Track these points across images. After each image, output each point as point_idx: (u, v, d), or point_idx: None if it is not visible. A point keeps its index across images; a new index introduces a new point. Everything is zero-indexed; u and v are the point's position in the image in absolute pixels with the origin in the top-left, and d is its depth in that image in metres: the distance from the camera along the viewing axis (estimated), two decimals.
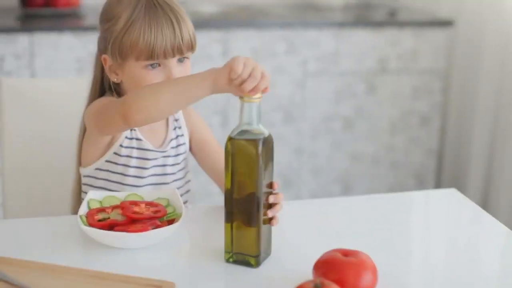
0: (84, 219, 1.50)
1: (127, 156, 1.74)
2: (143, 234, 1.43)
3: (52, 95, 2.11)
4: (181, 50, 1.65)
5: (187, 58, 1.69)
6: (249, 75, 1.40)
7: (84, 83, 1.96)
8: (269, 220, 1.46)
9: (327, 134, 3.63)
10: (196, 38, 1.70)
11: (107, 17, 1.69)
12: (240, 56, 1.42)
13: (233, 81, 1.40)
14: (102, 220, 1.49)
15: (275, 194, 1.47)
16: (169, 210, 1.56)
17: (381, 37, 3.56)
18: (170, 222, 1.51)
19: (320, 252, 1.34)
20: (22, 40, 3.18)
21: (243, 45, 3.40)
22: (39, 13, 3.50)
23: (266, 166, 1.41)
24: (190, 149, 1.87)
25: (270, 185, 1.45)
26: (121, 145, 1.73)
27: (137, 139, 1.75)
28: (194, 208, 1.76)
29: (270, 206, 1.46)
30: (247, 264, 1.43)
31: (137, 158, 1.75)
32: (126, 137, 1.74)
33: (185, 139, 1.84)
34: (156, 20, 1.63)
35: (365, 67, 3.58)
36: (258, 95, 1.40)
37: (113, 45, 1.66)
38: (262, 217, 1.41)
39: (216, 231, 1.51)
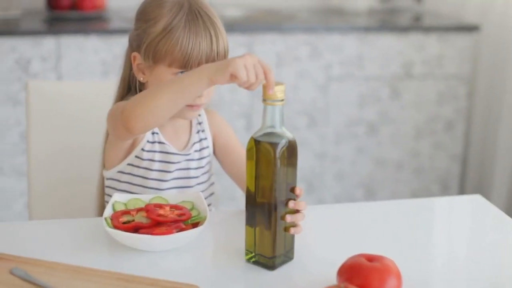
0: (109, 221, 1.50)
1: (149, 159, 1.74)
2: (168, 237, 1.44)
3: (78, 98, 2.12)
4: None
5: None
6: (256, 78, 1.41)
7: (110, 86, 1.97)
8: (289, 228, 1.45)
9: (351, 138, 3.62)
10: (228, 51, 1.69)
11: (146, 17, 1.68)
12: (237, 59, 1.41)
13: (237, 84, 1.42)
14: (127, 223, 1.49)
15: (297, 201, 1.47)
16: (193, 213, 1.56)
17: (406, 42, 3.55)
18: (195, 225, 1.51)
19: (344, 256, 1.34)
20: (49, 43, 3.20)
21: (267, 49, 3.40)
22: (65, 16, 3.52)
23: (288, 170, 1.41)
24: (214, 152, 1.87)
25: (292, 190, 1.45)
26: (142, 149, 1.74)
27: (160, 142, 1.75)
28: (217, 212, 1.76)
29: (295, 211, 1.46)
30: (265, 266, 1.43)
31: (160, 161, 1.75)
32: (148, 141, 1.74)
33: (209, 143, 1.84)
34: (196, 32, 1.63)
35: (389, 72, 3.57)
36: (281, 97, 1.39)
37: (148, 47, 1.66)
38: (278, 220, 1.41)
39: (239, 234, 1.51)
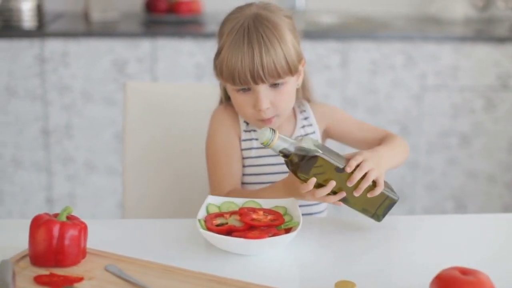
0: (203, 223, 1.52)
1: (247, 148, 1.79)
2: (262, 241, 1.44)
3: (173, 99, 2.15)
4: (262, 78, 1.65)
5: (282, 83, 1.69)
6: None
7: (205, 88, 1.99)
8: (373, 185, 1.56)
9: (443, 149, 3.57)
10: (288, 65, 1.67)
11: (218, 34, 1.74)
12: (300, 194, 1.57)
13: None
14: (220, 225, 1.50)
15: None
16: (286, 218, 1.56)
17: (503, 53, 3.48)
18: (287, 230, 1.51)
19: (435, 268, 1.32)
20: (145, 45, 3.25)
21: (362, 56, 3.39)
22: (162, 19, 3.58)
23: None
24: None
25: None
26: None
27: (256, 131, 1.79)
28: (310, 218, 1.76)
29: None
30: (391, 206, 1.59)
31: (257, 148, 1.78)
32: (244, 130, 1.79)
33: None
34: (238, 48, 1.65)
35: (484, 83, 3.51)
36: (269, 140, 1.51)
37: (214, 64, 1.72)
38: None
39: (331, 241, 1.51)
